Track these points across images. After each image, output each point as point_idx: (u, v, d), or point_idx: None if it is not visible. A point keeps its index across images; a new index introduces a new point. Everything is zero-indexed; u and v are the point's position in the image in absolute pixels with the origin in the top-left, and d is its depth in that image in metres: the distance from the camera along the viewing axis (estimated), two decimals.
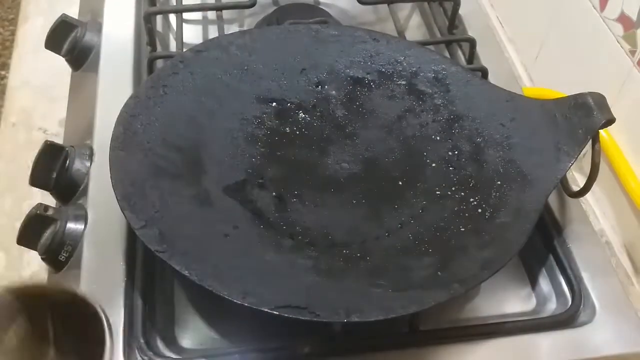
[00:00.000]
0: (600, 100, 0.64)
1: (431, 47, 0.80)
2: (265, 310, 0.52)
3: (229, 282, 0.55)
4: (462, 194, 0.67)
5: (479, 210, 0.64)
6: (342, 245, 0.62)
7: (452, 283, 0.56)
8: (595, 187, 0.78)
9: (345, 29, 0.79)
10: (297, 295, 0.55)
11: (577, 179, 0.80)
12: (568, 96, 0.67)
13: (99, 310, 0.50)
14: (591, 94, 0.65)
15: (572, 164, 0.63)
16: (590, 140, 0.64)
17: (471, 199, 0.66)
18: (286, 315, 0.52)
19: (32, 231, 0.64)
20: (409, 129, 0.73)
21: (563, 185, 0.69)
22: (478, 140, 0.70)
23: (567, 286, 0.64)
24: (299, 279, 0.58)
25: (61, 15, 0.83)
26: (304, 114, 0.74)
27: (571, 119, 0.65)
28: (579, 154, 0.64)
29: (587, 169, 0.64)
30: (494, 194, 0.65)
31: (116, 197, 0.59)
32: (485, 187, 0.66)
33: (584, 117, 0.64)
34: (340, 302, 0.54)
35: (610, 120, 0.64)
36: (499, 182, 0.66)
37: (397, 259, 0.61)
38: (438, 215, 0.65)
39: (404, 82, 0.75)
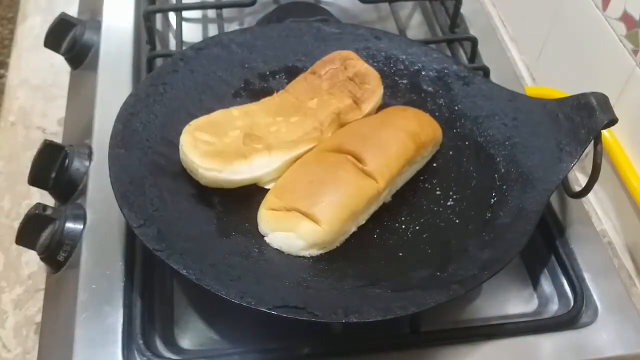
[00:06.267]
0: (603, 101, 0.64)
1: (432, 45, 0.80)
2: (263, 310, 0.52)
3: (227, 281, 0.54)
4: (463, 193, 0.66)
5: (480, 211, 0.64)
6: (342, 245, 0.62)
7: (451, 284, 0.55)
8: (597, 187, 0.78)
9: (346, 27, 0.79)
10: (295, 295, 0.55)
11: (579, 179, 0.80)
12: (571, 96, 0.66)
13: None
14: (594, 94, 0.65)
15: (575, 164, 0.63)
16: (593, 141, 0.64)
17: (472, 199, 0.65)
18: (284, 315, 0.52)
19: (30, 231, 0.63)
20: None
21: (564, 185, 0.69)
22: (480, 139, 0.70)
23: (569, 287, 0.64)
24: (298, 278, 0.57)
25: (60, 14, 0.82)
26: None
27: (574, 119, 0.65)
28: (582, 154, 0.63)
29: (589, 169, 0.64)
30: (495, 194, 0.65)
31: (115, 195, 0.58)
32: (486, 187, 0.65)
33: (586, 117, 0.64)
34: (339, 302, 0.54)
35: (613, 121, 0.63)
36: (500, 182, 0.65)
37: (397, 259, 0.61)
38: (438, 215, 0.65)
39: (405, 81, 0.75)
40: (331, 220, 0.60)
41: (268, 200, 0.62)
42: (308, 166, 0.65)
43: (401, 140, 0.66)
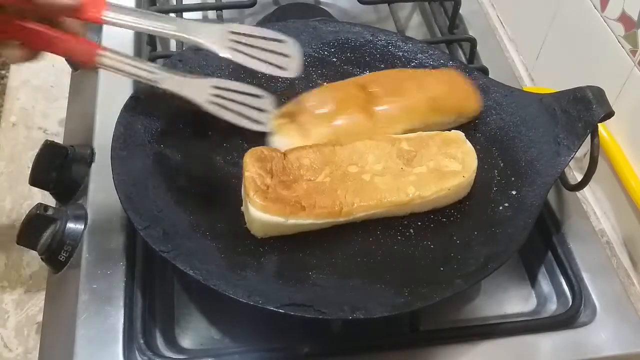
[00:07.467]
0: (599, 94, 0.65)
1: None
2: (271, 308, 0.52)
3: (234, 281, 0.55)
4: None
5: (481, 205, 0.64)
6: (345, 242, 0.62)
7: (455, 279, 0.56)
8: (595, 187, 0.78)
9: (343, 25, 0.79)
10: (302, 293, 0.55)
11: (578, 179, 0.80)
12: (567, 90, 0.67)
13: None
14: (590, 87, 0.65)
15: (572, 157, 0.64)
16: (590, 135, 0.64)
17: (472, 194, 0.66)
18: (292, 313, 0.52)
19: (32, 231, 0.64)
20: None
21: (562, 179, 0.69)
22: (478, 135, 0.70)
23: (568, 286, 0.64)
24: (303, 276, 0.58)
25: None
26: None
27: (570, 113, 0.65)
28: (579, 147, 0.64)
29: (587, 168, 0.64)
30: (495, 188, 0.65)
31: (119, 198, 0.59)
32: (485, 181, 0.66)
33: (583, 110, 0.65)
34: (344, 300, 0.54)
35: (609, 114, 0.64)
36: (499, 177, 0.66)
37: (400, 255, 0.61)
38: (440, 211, 0.65)
39: None
40: (318, 141, 0.65)
41: (286, 106, 0.69)
42: (332, 91, 0.70)
43: (417, 98, 0.69)
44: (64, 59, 0.83)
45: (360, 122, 0.67)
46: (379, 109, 0.68)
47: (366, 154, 0.64)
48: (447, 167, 0.64)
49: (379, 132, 0.67)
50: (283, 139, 0.67)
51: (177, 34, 0.63)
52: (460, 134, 0.67)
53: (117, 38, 0.81)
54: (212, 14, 0.91)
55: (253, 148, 0.63)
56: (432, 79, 0.71)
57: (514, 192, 0.64)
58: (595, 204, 0.79)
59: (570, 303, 0.63)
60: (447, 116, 0.70)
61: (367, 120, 0.68)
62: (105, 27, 0.82)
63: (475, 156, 0.65)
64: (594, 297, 0.63)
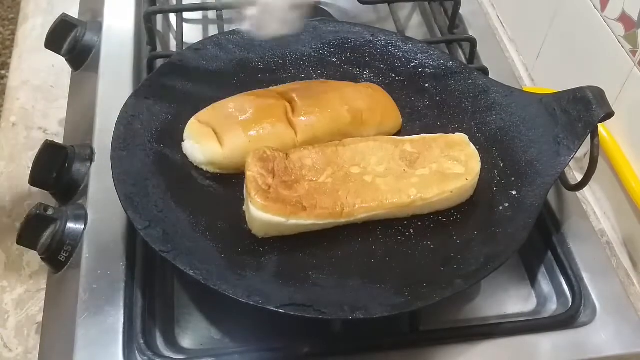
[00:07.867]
0: (599, 94, 0.65)
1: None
2: (271, 308, 0.52)
3: (233, 281, 0.55)
4: None
5: (481, 205, 0.64)
6: (345, 242, 0.62)
7: (455, 278, 0.56)
8: (595, 187, 0.78)
9: (343, 25, 0.79)
10: (301, 293, 0.55)
11: (578, 179, 0.80)
12: (567, 90, 0.67)
13: None
14: (590, 88, 0.65)
15: (572, 157, 0.64)
16: (590, 135, 0.64)
17: (472, 195, 0.66)
18: (292, 313, 0.52)
19: (32, 231, 0.64)
20: (409, 125, 0.73)
21: (562, 179, 0.69)
22: (478, 135, 0.70)
23: (568, 286, 0.64)
24: (303, 276, 0.58)
25: (61, 15, 0.83)
26: None
27: (570, 113, 0.65)
28: (579, 147, 0.64)
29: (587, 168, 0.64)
30: (495, 188, 0.65)
31: (119, 197, 0.59)
32: (485, 182, 0.66)
33: (583, 111, 0.65)
34: (344, 299, 0.54)
35: (609, 114, 0.64)
36: (499, 177, 0.66)
37: (400, 255, 0.61)
38: (440, 211, 0.65)
39: (402, 78, 0.76)
40: (234, 149, 0.64)
41: (202, 111, 0.67)
42: (252, 99, 0.68)
43: (339, 110, 0.68)
44: (64, 59, 0.83)
45: (279, 131, 0.66)
46: (300, 119, 0.67)
47: (369, 156, 0.64)
48: (450, 170, 0.63)
49: (298, 143, 0.66)
50: (196, 145, 0.65)
51: None
52: (464, 137, 0.67)
53: (117, 38, 0.82)
54: (212, 14, 0.91)
55: (256, 148, 0.63)
56: (353, 91, 0.71)
57: (514, 192, 0.64)
58: (595, 204, 0.79)
59: (570, 303, 0.63)
60: (367, 130, 0.69)
61: (287, 129, 0.67)
62: (105, 27, 0.82)
63: (479, 159, 0.65)
64: (594, 297, 0.63)
